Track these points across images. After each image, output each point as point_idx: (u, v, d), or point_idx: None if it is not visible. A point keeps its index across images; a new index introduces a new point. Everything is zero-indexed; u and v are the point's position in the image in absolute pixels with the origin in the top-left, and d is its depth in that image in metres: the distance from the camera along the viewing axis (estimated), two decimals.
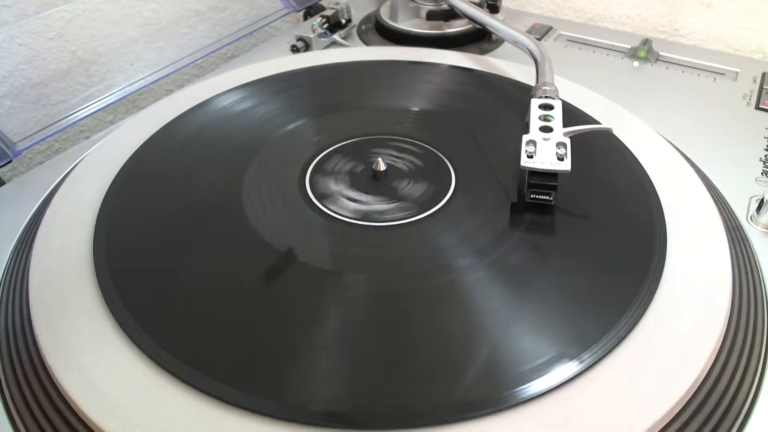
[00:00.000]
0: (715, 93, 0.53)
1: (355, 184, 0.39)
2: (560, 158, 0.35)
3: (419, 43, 0.60)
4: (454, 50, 0.55)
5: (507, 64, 0.53)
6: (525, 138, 0.36)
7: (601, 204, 0.37)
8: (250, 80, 0.50)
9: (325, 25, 0.63)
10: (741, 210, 0.40)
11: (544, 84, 0.42)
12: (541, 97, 0.40)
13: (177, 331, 0.29)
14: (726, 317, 0.29)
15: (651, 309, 0.30)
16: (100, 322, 0.30)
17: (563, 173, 0.35)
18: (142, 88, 0.59)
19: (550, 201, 0.36)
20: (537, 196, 0.36)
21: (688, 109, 0.51)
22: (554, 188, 0.35)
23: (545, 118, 0.38)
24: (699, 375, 0.27)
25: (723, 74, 0.56)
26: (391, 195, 0.38)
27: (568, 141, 0.36)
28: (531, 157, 0.35)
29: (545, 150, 0.35)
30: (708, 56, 0.59)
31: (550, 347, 0.28)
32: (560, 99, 0.40)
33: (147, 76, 0.59)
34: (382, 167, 0.40)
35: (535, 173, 0.35)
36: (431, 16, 0.61)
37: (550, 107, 0.39)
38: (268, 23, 0.70)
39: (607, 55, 0.60)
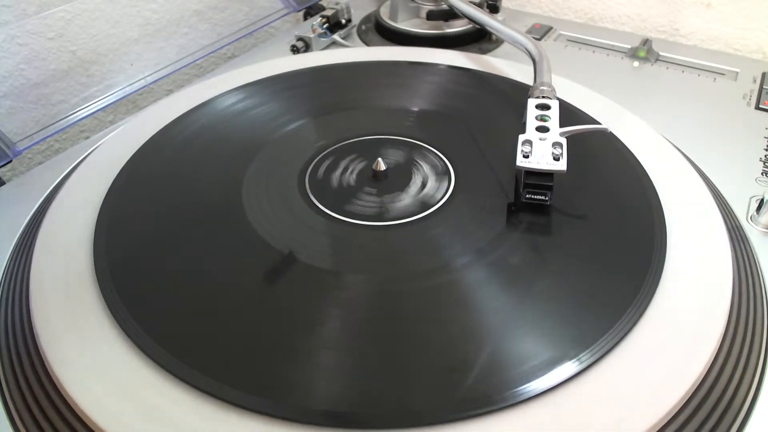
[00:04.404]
0: (715, 93, 0.53)
1: (355, 184, 0.39)
2: (556, 158, 0.35)
3: (419, 43, 0.60)
4: (454, 50, 0.55)
5: (507, 64, 0.53)
6: (521, 138, 0.36)
7: (601, 203, 0.37)
8: (250, 80, 0.50)
9: (325, 25, 0.63)
10: (741, 210, 0.40)
11: (542, 84, 0.42)
12: (538, 97, 0.40)
13: (177, 331, 0.29)
14: (726, 317, 0.29)
15: (650, 309, 0.30)
16: (100, 323, 0.30)
17: (559, 173, 0.35)
18: (142, 88, 0.59)
19: (546, 201, 0.36)
20: (533, 196, 0.36)
21: (688, 109, 0.51)
22: (550, 188, 0.35)
23: (542, 118, 0.38)
24: (699, 375, 0.27)
25: (723, 74, 0.56)
26: (391, 195, 0.38)
27: (564, 141, 0.36)
28: (527, 156, 0.35)
29: (541, 150, 0.35)
30: (708, 56, 0.59)
31: (549, 347, 0.28)
32: (557, 99, 0.40)
33: (147, 76, 0.59)
34: (382, 167, 0.40)
35: (531, 173, 0.35)
36: (431, 16, 0.61)
37: (547, 107, 0.39)
38: (268, 23, 0.70)
39: (607, 55, 0.60)
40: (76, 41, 0.60)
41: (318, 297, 0.31)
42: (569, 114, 0.43)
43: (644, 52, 0.59)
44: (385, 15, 0.65)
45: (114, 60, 0.64)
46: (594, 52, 0.61)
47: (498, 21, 0.53)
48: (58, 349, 0.29)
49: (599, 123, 0.43)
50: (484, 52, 0.60)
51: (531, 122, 0.38)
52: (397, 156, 0.42)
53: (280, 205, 0.38)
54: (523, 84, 0.49)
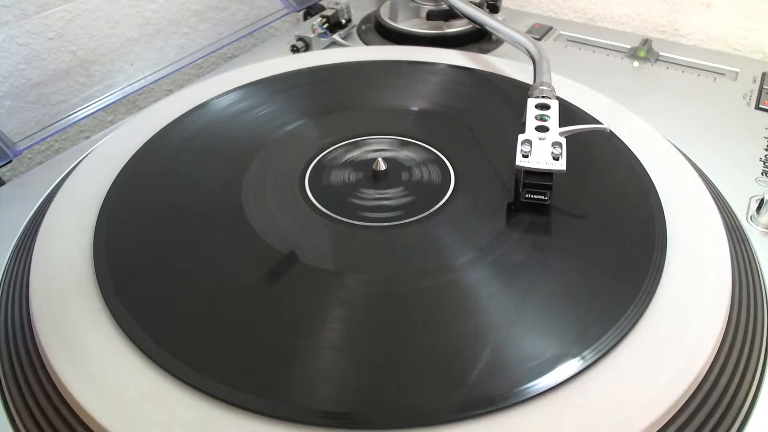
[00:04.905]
0: (715, 93, 0.53)
1: (355, 184, 0.39)
2: (555, 158, 0.35)
3: (419, 43, 0.60)
4: (454, 50, 0.55)
5: (507, 64, 0.53)
6: (521, 137, 0.36)
7: (601, 203, 0.37)
8: (251, 80, 0.50)
9: (325, 25, 0.63)
10: (741, 210, 0.40)
11: (541, 84, 0.42)
12: (537, 97, 0.40)
13: (177, 331, 0.29)
14: (726, 317, 0.29)
15: (651, 308, 0.30)
16: (100, 323, 0.30)
17: (558, 173, 0.35)
18: (142, 88, 0.59)
19: (545, 201, 0.36)
20: (532, 196, 0.36)
21: (688, 109, 0.51)
22: (549, 188, 0.35)
23: (541, 118, 0.38)
24: (699, 374, 0.27)
25: (723, 74, 0.56)
26: (391, 195, 0.38)
27: (563, 141, 0.36)
28: (526, 156, 0.35)
29: (541, 150, 0.35)
30: (708, 56, 0.59)
31: (550, 346, 0.28)
32: (557, 99, 0.40)
33: (147, 76, 0.59)
34: (382, 167, 0.40)
35: (530, 173, 0.35)
36: (431, 16, 0.61)
37: (546, 107, 0.39)
38: (268, 23, 0.70)
39: (607, 55, 0.60)
40: (76, 41, 0.60)
41: (318, 297, 0.31)
42: (569, 113, 0.43)
43: (644, 52, 0.59)
44: (385, 15, 0.65)
45: (114, 60, 0.64)
46: (594, 52, 0.61)
47: (498, 21, 0.53)
48: (58, 350, 0.29)
49: (599, 122, 0.43)
50: (484, 52, 0.60)
51: (530, 122, 0.38)
52: (397, 156, 0.42)
53: (280, 205, 0.38)
54: (523, 84, 0.49)
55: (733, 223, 0.38)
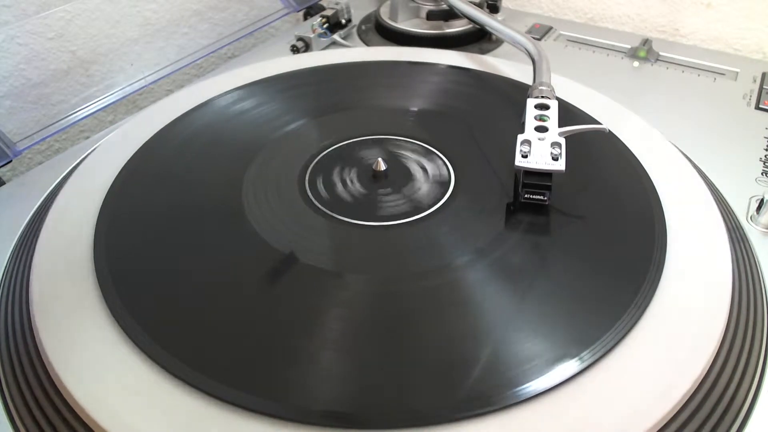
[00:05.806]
0: (715, 93, 0.53)
1: (354, 184, 0.39)
2: (555, 158, 0.35)
3: (419, 43, 0.60)
4: (454, 50, 0.55)
5: (507, 64, 0.53)
6: (520, 138, 0.36)
7: (601, 203, 0.37)
8: (250, 80, 0.50)
9: (325, 25, 0.63)
10: (741, 210, 0.40)
11: (541, 84, 0.42)
12: (537, 97, 0.40)
13: (177, 332, 0.29)
14: (726, 317, 0.29)
15: (651, 308, 0.30)
16: (100, 323, 0.30)
17: (558, 173, 0.35)
18: (142, 88, 0.59)
19: (545, 201, 0.36)
20: (531, 196, 0.36)
21: (688, 109, 0.51)
22: (548, 188, 0.35)
23: (541, 118, 0.38)
24: (699, 375, 0.27)
25: (723, 74, 0.56)
26: (390, 195, 0.38)
27: (563, 141, 0.36)
28: (526, 156, 0.35)
29: (540, 150, 0.35)
30: (708, 56, 0.59)
31: (550, 347, 0.28)
32: (556, 99, 0.40)
33: (147, 76, 0.59)
34: (382, 167, 0.40)
35: (529, 173, 0.35)
36: (431, 16, 0.61)
37: (545, 107, 0.39)
38: (268, 23, 0.70)
39: (607, 55, 0.60)
40: (76, 41, 0.60)
41: (318, 297, 0.31)
42: (569, 113, 0.43)
43: (644, 52, 0.59)
44: (385, 15, 0.65)
45: (114, 60, 0.64)
46: (594, 52, 0.61)
47: (498, 21, 0.53)
48: (58, 349, 0.29)
49: (599, 123, 0.43)
50: (484, 52, 0.60)
51: (530, 122, 0.38)
52: (397, 156, 0.42)
53: (280, 205, 0.38)
54: (523, 84, 0.49)
55: (733, 223, 0.38)
